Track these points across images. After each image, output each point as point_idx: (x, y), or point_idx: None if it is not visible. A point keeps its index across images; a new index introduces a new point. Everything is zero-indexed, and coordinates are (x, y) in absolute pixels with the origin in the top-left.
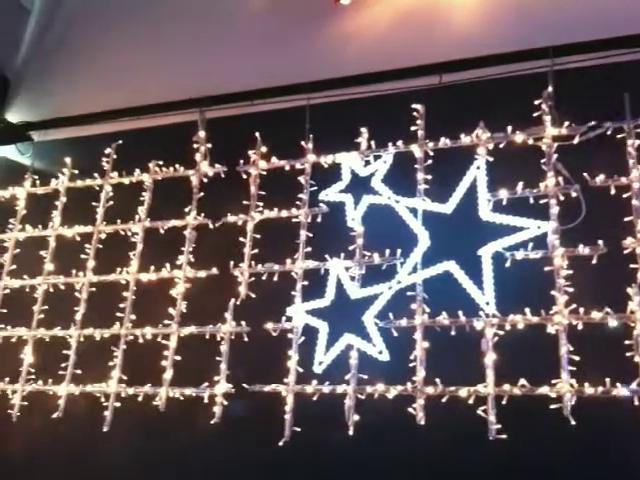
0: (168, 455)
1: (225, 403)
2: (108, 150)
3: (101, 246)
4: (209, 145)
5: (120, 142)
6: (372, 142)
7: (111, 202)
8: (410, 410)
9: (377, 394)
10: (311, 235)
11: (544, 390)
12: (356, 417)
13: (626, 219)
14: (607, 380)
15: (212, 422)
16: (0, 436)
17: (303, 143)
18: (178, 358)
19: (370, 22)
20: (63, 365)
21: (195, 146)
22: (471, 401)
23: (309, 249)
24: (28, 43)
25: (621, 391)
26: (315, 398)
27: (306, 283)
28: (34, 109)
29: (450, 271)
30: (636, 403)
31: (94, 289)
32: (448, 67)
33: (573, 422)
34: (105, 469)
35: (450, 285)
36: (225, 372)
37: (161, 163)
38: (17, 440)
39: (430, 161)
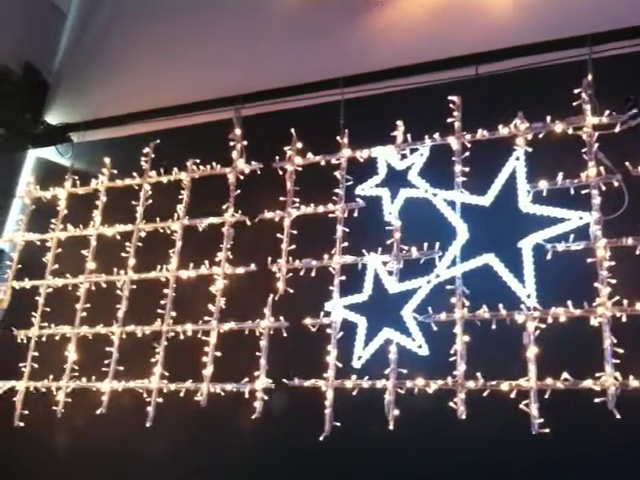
0: (209, 449)
1: (265, 398)
2: (146, 149)
3: (141, 244)
4: (245, 142)
5: (158, 141)
6: (408, 135)
7: (150, 201)
8: (451, 404)
9: (417, 388)
10: (348, 230)
11: (588, 384)
12: (396, 412)
13: None
14: None
15: (253, 417)
16: (45, 432)
17: (338, 138)
18: (218, 354)
19: (404, 14)
20: (106, 362)
21: (231, 144)
22: (513, 395)
23: (346, 244)
24: (65, 46)
25: None
26: (355, 393)
27: (344, 278)
28: (73, 111)
29: (490, 264)
30: None
31: (135, 287)
32: (484, 58)
33: (618, 416)
34: (148, 464)
35: (490, 278)
36: (265, 367)
37: (198, 161)
38: (62, 436)
39: (468, 153)
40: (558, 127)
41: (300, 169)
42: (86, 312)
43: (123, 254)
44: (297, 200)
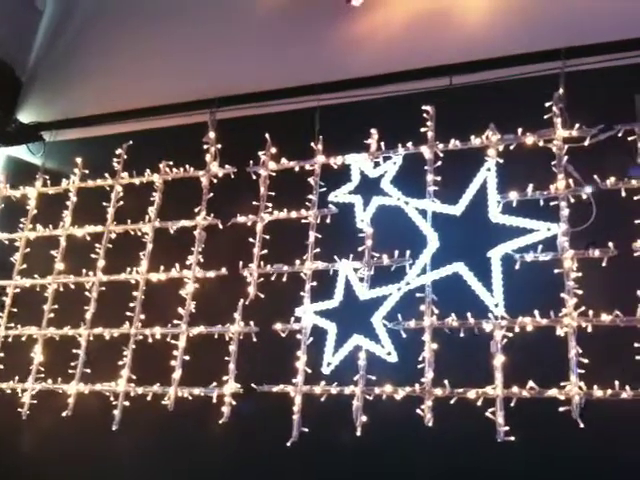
0: (176, 454)
1: (233, 403)
2: (119, 150)
3: (111, 246)
4: (219, 146)
5: (131, 142)
6: (382, 143)
7: (121, 202)
8: (418, 411)
9: (385, 395)
10: (320, 236)
11: (553, 392)
12: (364, 418)
13: (637, 221)
14: (616, 383)
15: (220, 422)
16: (10, 434)
17: (313, 144)
18: (187, 358)
19: (380, 24)
20: (73, 364)
21: (205, 147)
22: (479, 403)
23: (318, 250)
24: (40, 44)
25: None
26: (323, 399)
27: (315, 284)
28: (45, 109)
29: (459, 273)
30: None
31: (104, 289)
32: (459, 69)
33: (582, 425)
34: (114, 468)
35: (459, 287)
36: (233, 372)
37: (171, 164)
38: (27, 438)
39: (440, 163)
40: (529, 139)
41: (274, 174)
42: (54, 313)
43: (93, 255)
44: (270, 205)
